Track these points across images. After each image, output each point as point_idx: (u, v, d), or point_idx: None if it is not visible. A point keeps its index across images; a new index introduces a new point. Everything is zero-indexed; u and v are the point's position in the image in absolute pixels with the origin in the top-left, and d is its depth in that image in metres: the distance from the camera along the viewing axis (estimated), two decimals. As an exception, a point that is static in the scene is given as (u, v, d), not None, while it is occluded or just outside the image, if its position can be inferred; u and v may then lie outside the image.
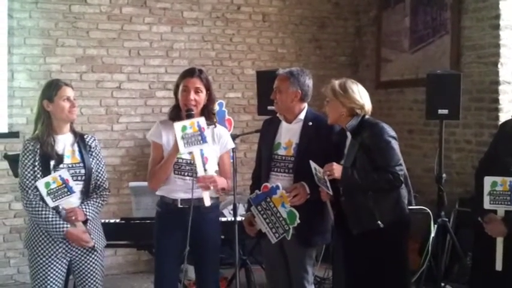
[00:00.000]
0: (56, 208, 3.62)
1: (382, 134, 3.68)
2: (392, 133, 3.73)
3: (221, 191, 3.85)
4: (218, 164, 3.89)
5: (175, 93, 3.87)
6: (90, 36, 6.22)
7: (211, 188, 3.67)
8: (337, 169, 3.62)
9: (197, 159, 3.64)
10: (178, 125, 3.60)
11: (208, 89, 3.83)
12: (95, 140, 3.86)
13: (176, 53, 6.58)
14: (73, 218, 3.61)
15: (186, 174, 3.77)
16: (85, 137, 3.83)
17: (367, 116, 3.80)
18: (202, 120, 3.62)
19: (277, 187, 3.80)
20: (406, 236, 3.86)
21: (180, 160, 3.76)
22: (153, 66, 6.48)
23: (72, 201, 3.67)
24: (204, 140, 3.60)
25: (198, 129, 3.59)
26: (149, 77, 6.46)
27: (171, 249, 3.81)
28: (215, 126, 3.88)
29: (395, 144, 3.70)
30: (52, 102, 3.67)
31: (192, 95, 3.75)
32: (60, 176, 3.58)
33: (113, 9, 6.29)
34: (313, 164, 3.71)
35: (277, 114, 4.07)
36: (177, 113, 3.81)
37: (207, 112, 3.83)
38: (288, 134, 3.97)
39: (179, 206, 3.77)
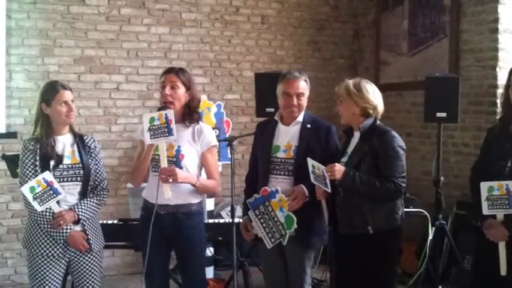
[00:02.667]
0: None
1: (392, 143, 3.65)
2: (402, 144, 3.70)
3: (197, 188, 3.79)
4: (202, 164, 3.88)
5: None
6: (89, 37, 6.22)
7: (170, 181, 3.65)
8: (339, 170, 3.58)
9: (161, 152, 3.66)
10: (146, 117, 3.62)
11: (188, 87, 3.82)
12: (94, 141, 3.86)
13: (175, 54, 6.58)
14: (61, 222, 3.59)
15: None
16: (84, 138, 3.83)
17: (378, 121, 3.77)
18: (170, 113, 3.62)
19: (277, 191, 3.77)
20: (397, 246, 3.87)
21: (157, 157, 3.74)
22: (152, 68, 6.47)
23: (70, 202, 3.67)
24: (170, 132, 3.60)
25: (166, 121, 3.59)
26: (147, 78, 6.45)
27: (156, 255, 3.81)
28: (197, 124, 3.86)
29: (403, 155, 3.68)
30: (49, 106, 3.66)
31: (168, 90, 3.77)
32: (43, 178, 3.55)
33: (112, 10, 6.29)
34: (311, 161, 3.67)
35: (275, 117, 4.04)
36: None
37: (188, 110, 3.83)
38: (287, 137, 3.95)
39: (158, 212, 3.76)
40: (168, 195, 3.67)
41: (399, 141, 3.69)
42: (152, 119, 3.60)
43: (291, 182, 3.87)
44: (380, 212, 3.65)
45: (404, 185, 3.65)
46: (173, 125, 3.61)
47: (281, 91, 3.93)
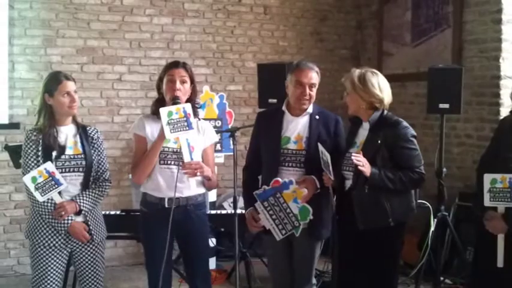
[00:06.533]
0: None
1: (406, 134, 3.66)
2: (414, 132, 3.71)
3: (207, 182, 3.82)
4: (202, 157, 3.83)
5: (158, 87, 3.84)
6: (91, 28, 6.21)
7: (198, 174, 3.64)
8: (367, 167, 3.53)
9: (183, 145, 3.60)
10: (164, 111, 3.53)
11: (192, 81, 3.81)
12: (97, 132, 3.86)
13: (177, 45, 6.57)
14: (62, 213, 3.59)
15: (172, 163, 3.73)
16: (87, 128, 3.82)
17: (385, 111, 3.74)
18: (188, 107, 3.57)
19: (291, 182, 3.70)
20: (403, 236, 3.87)
21: (166, 149, 3.72)
22: (154, 58, 6.47)
23: (72, 192, 3.68)
24: (189, 126, 3.55)
25: (184, 115, 3.54)
26: (150, 68, 6.45)
27: (160, 250, 3.72)
28: (199, 119, 3.87)
29: (416, 144, 3.70)
30: (52, 97, 3.66)
31: (178, 85, 3.72)
32: (45, 169, 3.55)
33: (114, 0, 6.28)
34: (321, 148, 3.66)
35: (283, 107, 3.97)
36: (161, 106, 3.71)
37: (193, 104, 3.78)
38: (296, 128, 3.89)
39: (166, 206, 3.73)
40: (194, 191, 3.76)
41: (411, 130, 3.69)
42: (170, 113, 3.53)
43: (303, 174, 3.82)
44: (398, 203, 3.65)
45: (424, 171, 3.68)
46: (192, 119, 3.58)
47: (294, 80, 3.87)
